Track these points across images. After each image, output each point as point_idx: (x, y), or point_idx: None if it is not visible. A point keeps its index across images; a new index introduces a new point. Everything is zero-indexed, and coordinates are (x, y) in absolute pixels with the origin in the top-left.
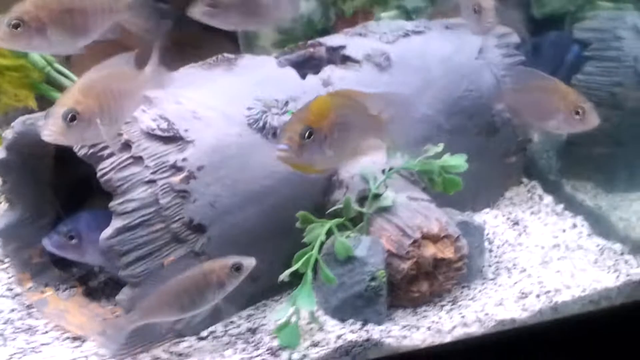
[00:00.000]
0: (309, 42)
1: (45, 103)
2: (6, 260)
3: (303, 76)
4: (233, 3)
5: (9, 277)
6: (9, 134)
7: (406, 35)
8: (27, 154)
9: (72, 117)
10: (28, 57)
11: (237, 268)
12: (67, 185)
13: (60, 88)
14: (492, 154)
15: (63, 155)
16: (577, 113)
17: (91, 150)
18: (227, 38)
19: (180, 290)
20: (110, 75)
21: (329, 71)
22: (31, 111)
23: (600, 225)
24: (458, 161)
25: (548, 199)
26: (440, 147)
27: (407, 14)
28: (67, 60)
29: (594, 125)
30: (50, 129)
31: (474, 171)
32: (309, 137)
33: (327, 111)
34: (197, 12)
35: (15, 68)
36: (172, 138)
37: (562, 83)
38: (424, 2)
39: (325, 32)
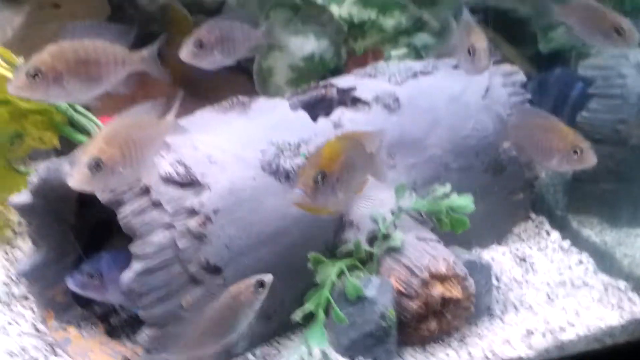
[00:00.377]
0: (321, 83)
1: (68, 142)
2: (31, 296)
3: (315, 118)
4: (217, 42)
5: (34, 315)
6: (34, 178)
7: (414, 76)
8: (52, 198)
9: (96, 166)
10: None
11: (260, 284)
12: (88, 226)
13: (83, 130)
14: (500, 191)
15: (84, 197)
16: (576, 152)
17: (113, 196)
18: (243, 75)
19: (216, 319)
20: (133, 124)
21: (339, 113)
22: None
23: (605, 262)
24: (465, 201)
25: (555, 234)
26: (447, 188)
27: (417, 52)
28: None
29: (591, 164)
30: (77, 177)
31: (482, 208)
32: (322, 181)
33: (337, 155)
34: (186, 54)
35: (39, 111)
36: (189, 183)
37: (561, 123)
38: (433, 39)
39: (337, 70)
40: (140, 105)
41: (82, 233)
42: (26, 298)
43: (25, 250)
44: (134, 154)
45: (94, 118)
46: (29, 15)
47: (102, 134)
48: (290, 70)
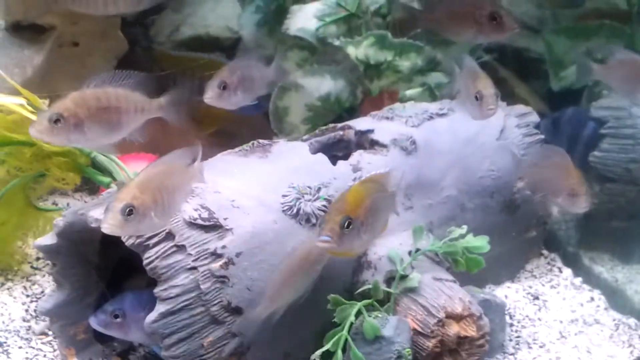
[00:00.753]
0: (339, 125)
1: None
2: (51, 332)
3: (333, 160)
4: (239, 83)
5: (54, 351)
6: (60, 222)
7: (430, 118)
8: (77, 240)
9: (129, 212)
10: None
11: None
12: (110, 265)
13: (105, 171)
14: (514, 229)
15: (107, 237)
16: (574, 195)
17: (138, 240)
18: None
19: (292, 274)
20: (164, 171)
21: (358, 156)
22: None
23: (616, 299)
24: (481, 242)
25: (567, 271)
26: (464, 229)
27: (430, 91)
28: None
29: (583, 210)
30: (109, 222)
31: (497, 247)
32: (348, 226)
33: (361, 200)
34: (212, 98)
35: (62, 153)
36: (212, 227)
37: (570, 163)
38: (446, 78)
39: (353, 109)
40: (174, 153)
41: (104, 272)
42: (46, 334)
43: (44, 286)
44: (165, 201)
45: (116, 158)
46: (48, 54)
47: (134, 181)
48: (306, 110)
